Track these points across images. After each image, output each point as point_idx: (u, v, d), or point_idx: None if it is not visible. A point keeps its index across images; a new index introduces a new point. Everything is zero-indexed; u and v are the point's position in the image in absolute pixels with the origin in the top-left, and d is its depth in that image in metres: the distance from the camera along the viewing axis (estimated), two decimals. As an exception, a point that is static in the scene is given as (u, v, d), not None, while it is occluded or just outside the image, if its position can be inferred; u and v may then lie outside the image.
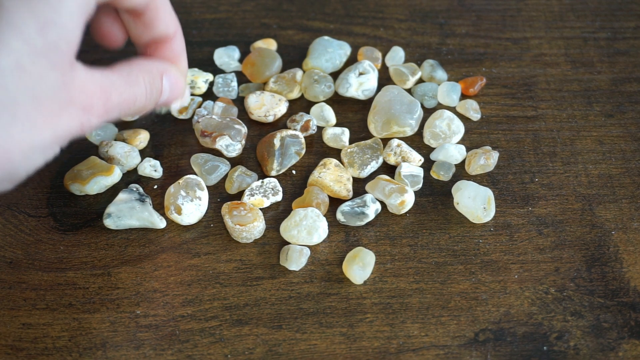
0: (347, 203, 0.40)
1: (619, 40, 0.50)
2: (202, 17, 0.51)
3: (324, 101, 0.46)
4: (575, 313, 0.37)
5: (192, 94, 0.46)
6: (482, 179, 0.42)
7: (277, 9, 0.52)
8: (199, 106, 0.45)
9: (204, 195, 0.41)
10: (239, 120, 0.43)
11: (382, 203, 0.41)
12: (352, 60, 0.48)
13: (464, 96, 0.47)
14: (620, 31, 0.50)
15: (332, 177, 0.41)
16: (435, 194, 0.42)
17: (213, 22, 0.51)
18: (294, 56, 0.48)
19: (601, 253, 0.39)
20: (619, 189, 0.42)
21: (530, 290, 0.37)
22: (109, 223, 0.39)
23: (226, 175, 0.42)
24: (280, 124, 0.45)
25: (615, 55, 0.49)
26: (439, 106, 0.46)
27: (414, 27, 0.51)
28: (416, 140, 0.44)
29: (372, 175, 0.42)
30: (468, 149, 0.43)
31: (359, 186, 0.42)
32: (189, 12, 0.51)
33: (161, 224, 0.40)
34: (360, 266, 0.38)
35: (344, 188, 0.41)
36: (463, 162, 0.43)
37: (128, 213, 0.39)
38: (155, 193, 0.42)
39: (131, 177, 0.42)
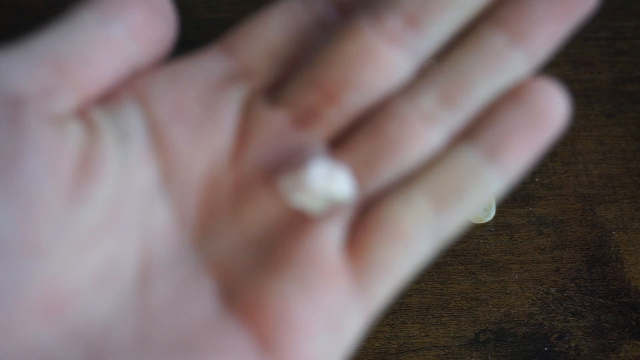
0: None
1: (620, 39, 0.50)
2: (202, 17, 0.51)
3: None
4: (576, 313, 0.36)
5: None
6: (482, 179, 0.42)
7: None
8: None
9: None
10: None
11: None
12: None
13: (464, 96, 0.46)
14: (620, 31, 0.50)
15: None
16: (436, 194, 0.41)
17: (213, 22, 0.51)
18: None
19: (602, 253, 0.39)
20: (620, 189, 0.42)
21: (531, 291, 0.37)
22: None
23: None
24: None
25: (616, 55, 0.49)
26: (439, 106, 0.46)
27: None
28: (416, 140, 0.44)
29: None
30: (468, 149, 0.43)
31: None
32: (189, 12, 0.51)
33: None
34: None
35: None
36: (463, 162, 0.43)
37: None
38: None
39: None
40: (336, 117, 0.21)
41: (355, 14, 0.21)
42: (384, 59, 0.21)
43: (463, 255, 0.39)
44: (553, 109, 0.22)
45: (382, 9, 0.21)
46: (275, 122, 0.21)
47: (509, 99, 0.21)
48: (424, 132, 0.21)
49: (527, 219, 0.40)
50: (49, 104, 0.19)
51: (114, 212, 0.19)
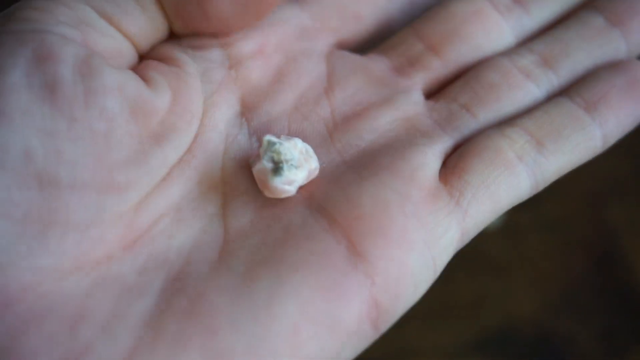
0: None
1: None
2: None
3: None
4: (582, 316, 0.36)
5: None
6: (486, 178, 0.42)
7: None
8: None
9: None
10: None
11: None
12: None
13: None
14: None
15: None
16: (438, 193, 0.41)
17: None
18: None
19: (609, 254, 0.38)
20: (628, 188, 0.41)
21: (535, 293, 0.37)
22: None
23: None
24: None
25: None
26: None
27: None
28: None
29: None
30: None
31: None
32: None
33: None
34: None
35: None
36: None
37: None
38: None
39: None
40: (436, 67, 0.22)
41: None
42: (491, 21, 0.23)
43: (465, 256, 0.38)
44: None
45: None
46: (372, 67, 0.22)
47: (609, 67, 0.22)
48: (525, 84, 0.22)
49: (532, 219, 0.40)
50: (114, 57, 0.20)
51: (196, 148, 0.19)
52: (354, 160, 0.20)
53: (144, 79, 0.19)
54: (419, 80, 0.22)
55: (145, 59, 0.20)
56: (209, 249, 0.18)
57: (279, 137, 0.20)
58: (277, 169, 0.19)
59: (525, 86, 0.22)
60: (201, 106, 0.20)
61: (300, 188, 0.19)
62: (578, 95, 0.22)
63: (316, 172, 0.20)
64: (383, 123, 0.21)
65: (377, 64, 0.22)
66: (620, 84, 0.22)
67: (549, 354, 0.35)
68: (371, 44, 0.24)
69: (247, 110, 0.21)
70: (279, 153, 0.19)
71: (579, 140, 0.21)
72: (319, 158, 0.20)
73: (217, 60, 0.21)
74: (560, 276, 0.38)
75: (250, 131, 0.20)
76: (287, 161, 0.19)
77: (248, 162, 0.20)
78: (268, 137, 0.19)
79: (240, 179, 0.20)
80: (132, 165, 0.18)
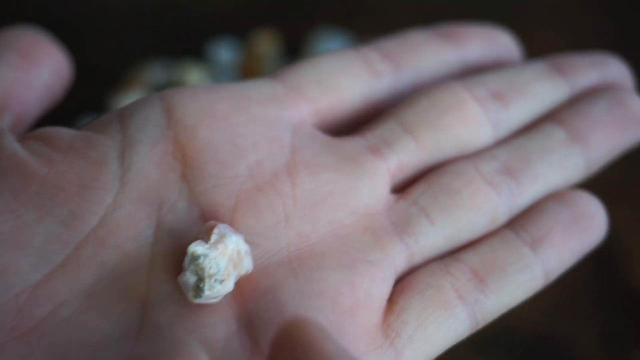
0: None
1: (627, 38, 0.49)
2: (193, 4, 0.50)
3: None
4: (583, 318, 0.36)
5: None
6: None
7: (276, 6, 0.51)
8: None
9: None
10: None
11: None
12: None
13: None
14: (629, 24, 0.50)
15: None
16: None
17: (212, 15, 0.50)
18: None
19: (610, 256, 0.38)
20: (627, 189, 0.41)
21: (536, 294, 0.36)
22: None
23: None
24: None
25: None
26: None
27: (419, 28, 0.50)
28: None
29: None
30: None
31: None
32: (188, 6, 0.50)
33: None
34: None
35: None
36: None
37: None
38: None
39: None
40: (412, 151, 0.21)
41: (447, 81, 0.23)
42: (472, 113, 0.22)
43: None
44: (595, 219, 0.23)
45: (470, 81, 0.23)
46: (344, 146, 0.21)
47: (555, 198, 0.23)
48: (486, 192, 0.21)
49: (532, 220, 0.39)
50: None
51: (113, 224, 0.18)
52: (300, 261, 0.19)
53: (27, 149, 0.18)
54: (393, 163, 0.21)
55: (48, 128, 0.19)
56: (117, 351, 0.16)
57: (209, 234, 0.18)
58: (197, 288, 0.17)
59: (486, 194, 0.21)
60: (112, 174, 0.18)
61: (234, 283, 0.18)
62: (524, 229, 0.22)
63: (250, 270, 0.18)
64: (342, 216, 0.20)
65: (350, 143, 0.21)
66: (564, 220, 0.22)
67: (548, 355, 0.35)
68: (355, 125, 0.23)
69: (189, 171, 0.19)
70: (202, 269, 0.17)
71: (522, 280, 0.21)
72: (267, 243, 0.19)
73: (153, 119, 0.19)
74: (560, 277, 0.37)
75: (191, 198, 0.19)
76: (210, 277, 0.17)
77: (183, 241, 0.18)
78: (193, 248, 0.17)
79: (172, 262, 0.18)
80: (6, 247, 0.16)
